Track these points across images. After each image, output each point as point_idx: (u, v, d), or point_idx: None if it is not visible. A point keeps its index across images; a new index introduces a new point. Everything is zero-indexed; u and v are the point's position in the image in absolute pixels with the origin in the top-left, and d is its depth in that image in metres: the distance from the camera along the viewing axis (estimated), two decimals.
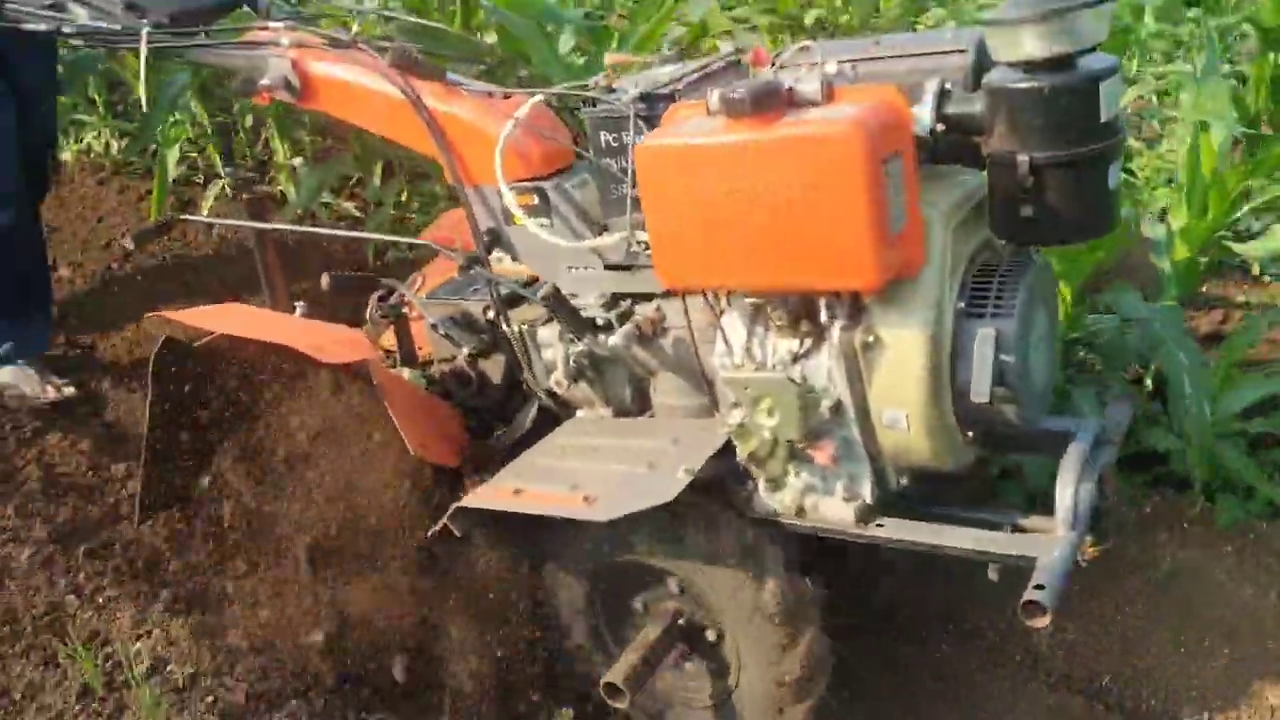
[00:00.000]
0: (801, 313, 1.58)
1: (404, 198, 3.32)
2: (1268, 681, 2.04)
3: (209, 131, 3.52)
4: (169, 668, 2.01)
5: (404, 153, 2.94)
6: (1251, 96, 3.40)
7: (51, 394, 2.83)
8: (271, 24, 2.07)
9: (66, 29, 2.03)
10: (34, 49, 2.69)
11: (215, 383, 2.09)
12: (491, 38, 3.11)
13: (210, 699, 1.95)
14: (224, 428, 2.08)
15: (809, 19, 3.53)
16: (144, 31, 1.98)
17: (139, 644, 2.06)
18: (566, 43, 3.38)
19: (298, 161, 3.34)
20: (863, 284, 1.46)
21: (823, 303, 1.55)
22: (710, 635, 1.87)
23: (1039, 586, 1.45)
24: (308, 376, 2.00)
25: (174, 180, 3.45)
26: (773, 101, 1.43)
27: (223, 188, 3.23)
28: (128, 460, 2.59)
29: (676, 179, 1.50)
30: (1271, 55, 3.29)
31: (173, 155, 3.32)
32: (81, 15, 2.04)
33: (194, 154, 3.82)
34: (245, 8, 2.21)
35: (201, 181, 3.65)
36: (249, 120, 3.60)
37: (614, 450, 1.82)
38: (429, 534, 1.83)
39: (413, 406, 1.93)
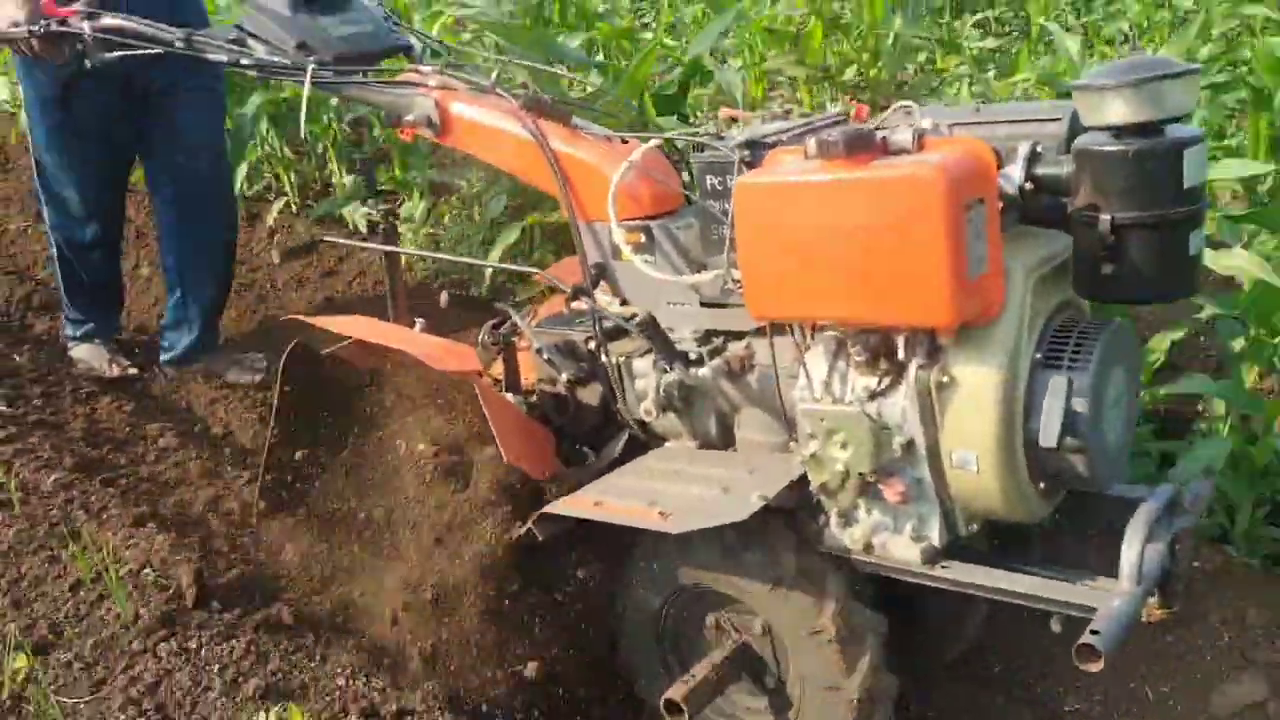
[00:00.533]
0: (881, 351, 1.65)
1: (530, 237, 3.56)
2: None
3: (279, 154, 4.12)
4: (144, 571, 2.31)
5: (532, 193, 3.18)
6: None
7: (115, 370, 3.37)
8: (421, 68, 2.29)
9: (244, 61, 2.28)
10: (199, 98, 3.07)
11: (337, 387, 2.27)
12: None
13: (169, 592, 2.25)
14: (340, 428, 2.25)
15: (848, 73, 3.63)
16: (310, 68, 2.22)
17: (127, 552, 2.37)
18: None
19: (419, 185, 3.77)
20: (938, 322, 1.54)
21: (901, 341, 1.63)
22: (771, 662, 1.92)
23: (1095, 631, 1.47)
24: (420, 385, 2.15)
25: (246, 196, 4.12)
26: (865, 146, 1.54)
27: (286, 203, 3.84)
28: (163, 424, 3.07)
29: (771, 214, 1.61)
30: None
31: (240, 172, 3.95)
32: (259, 50, 2.29)
33: (267, 173, 4.47)
34: (402, 55, 2.45)
35: (271, 198, 4.33)
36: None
37: (693, 475, 1.91)
38: (514, 537, 1.94)
39: (510, 420, 2.06)
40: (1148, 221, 1.52)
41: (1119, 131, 1.52)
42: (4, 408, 3.01)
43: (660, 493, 1.85)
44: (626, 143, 2.08)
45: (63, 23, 2.41)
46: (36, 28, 2.42)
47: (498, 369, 2.39)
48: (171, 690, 2.00)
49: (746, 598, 1.90)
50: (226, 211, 3.41)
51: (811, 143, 1.58)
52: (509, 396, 2.32)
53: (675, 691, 1.85)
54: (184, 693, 2.00)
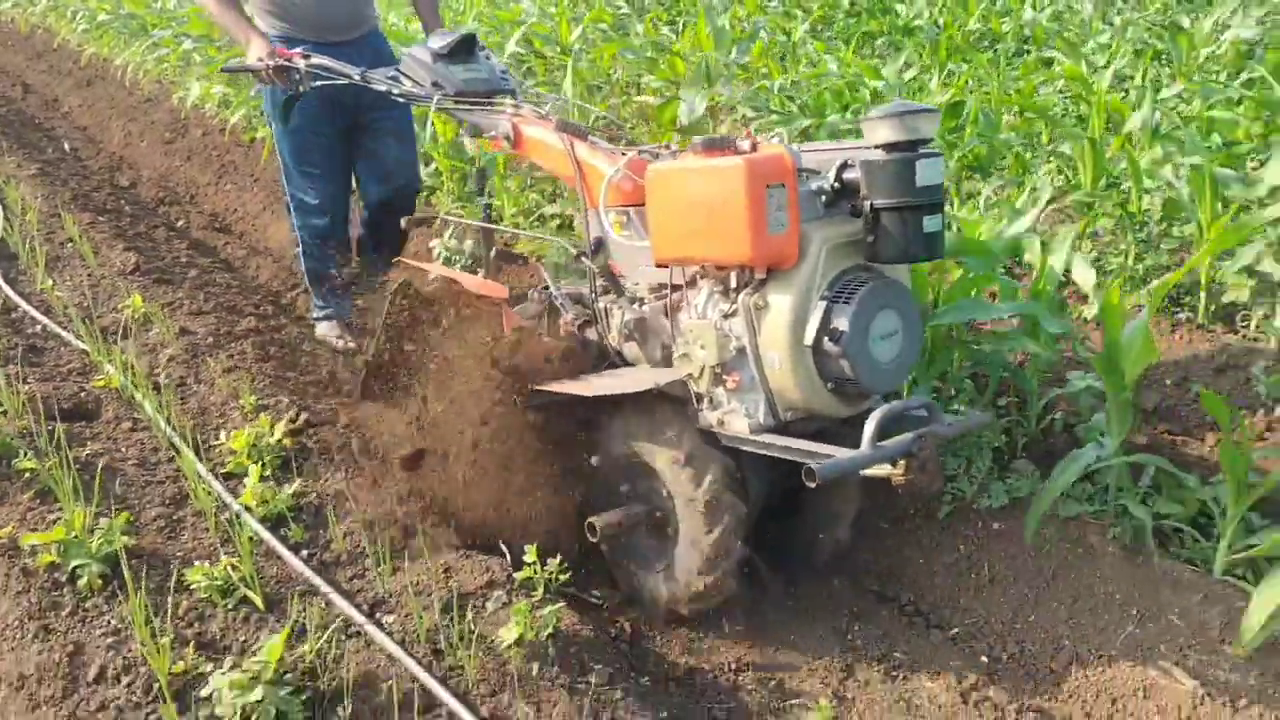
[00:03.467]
0: (728, 285, 2.50)
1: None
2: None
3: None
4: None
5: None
6: None
7: (342, 345, 4.37)
8: (509, 102, 3.33)
9: (395, 91, 3.40)
10: (393, 127, 4.24)
11: (428, 312, 3.30)
12: None
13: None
14: (425, 338, 3.27)
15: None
16: (436, 97, 3.31)
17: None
18: None
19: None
20: (749, 261, 2.38)
21: (734, 276, 2.47)
22: (669, 516, 2.73)
23: (819, 462, 2.24)
24: (474, 311, 3.15)
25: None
26: (719, 147, 2.41)
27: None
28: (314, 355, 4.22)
29: (663, 188, 2.51)
30: None
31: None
32: (407, 84, 3.40)
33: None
34: (506, 95, 3.50)
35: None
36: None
37: (625, 375, 2.79)
38: (519, 404, 2.85)
39: (518, 323, 2.99)
40: (894, 206, 2.31)
41: (883, 148, 2.33)
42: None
43: (598, 383, 2.74)
44: (625, 154, 3.02)
45: (288, 60, 3.64)
46: (272, 62, 3.65)
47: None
48: None
49: (660, 468, 2.73)
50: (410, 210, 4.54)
51: (693, 142, 2.48)
52: (545, 338, 3.27)
53: (596, 519, 2.71)
54: None
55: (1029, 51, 7.39)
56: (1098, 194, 4.45)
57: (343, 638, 2.34)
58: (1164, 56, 6.46)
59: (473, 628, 2.35)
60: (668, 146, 2.85)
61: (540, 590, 2.46)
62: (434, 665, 2.28)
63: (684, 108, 5.43)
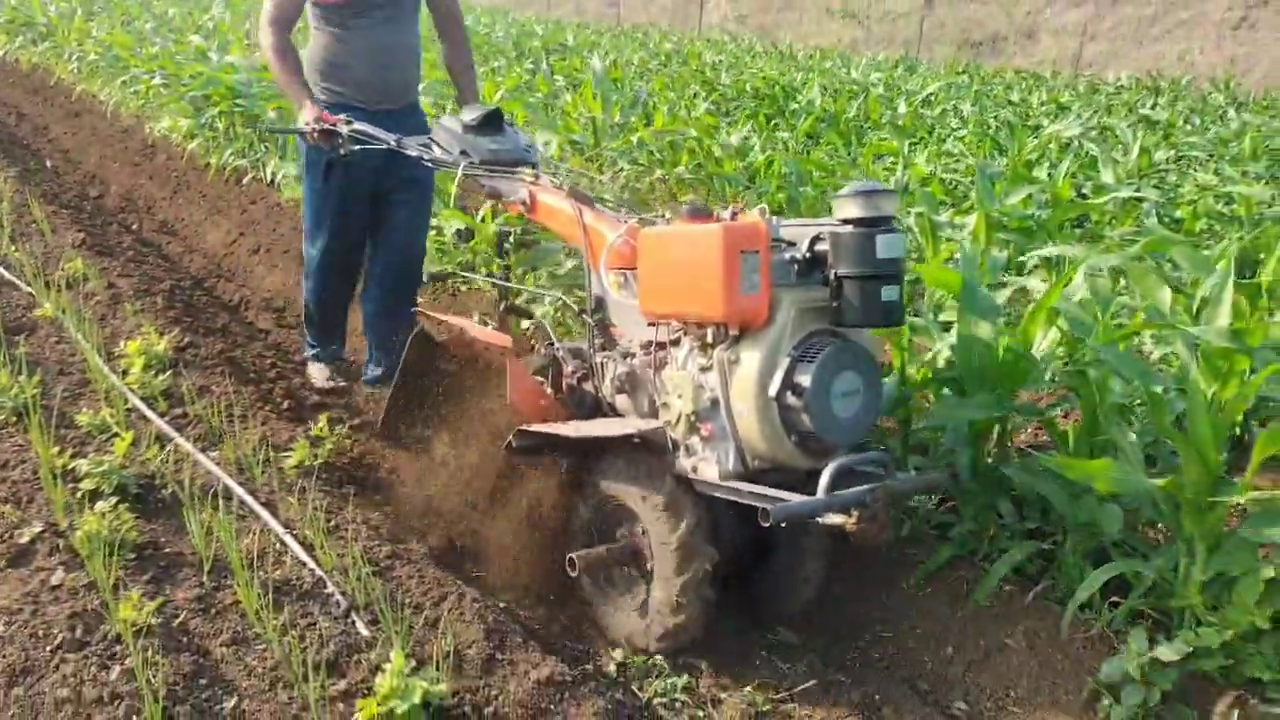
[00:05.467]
0: (705, 340, 2.73)
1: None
2: None
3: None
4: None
5: None
6: None
7: (329, 384, 4.64)
8: (529, 172, 3.63)
9: (426, 158, 3.72)
10: (415, 198, 4.55)
11: (444, 359, 3.56)
12: None
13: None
14: (438, 383, 3.53)
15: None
16: (463, 165, 3.62)
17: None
18: None
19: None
20: (722, 318, 2.61)
21: (710, 333, 2.70)
22: (646, 555, 2.92)
23: (772, 505, 2.44)
24: (483, 359, 3.41)
25: None
26: (702, 215, 2.67)
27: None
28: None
29: (652, 251, 2.77)
30: None
31: None
32: (438, 152, 3.72)
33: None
34: (529, 166, 3.80)
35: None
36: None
37: (611, 423, 3.02)
38: (504, 446, 3.09)
39: (522, 378, 3.24)
40: (856, 275, 2.55)
41: (848, 222, 2.57)
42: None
43: (584, 427, 2.97)
44: (626, 221, 3.29)
45: (333, 125, 3.98)
46: (318, 126, 4.00)
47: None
48: None
49: (640, 512, 2.93)
50: (415, 291, 4.71)
51: (682, 210, 2.74)
52: (548, 389, 3.51)
53: (577, 554, 2.91)
54: None
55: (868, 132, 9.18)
56: None
57: (174, 458, 3.31)
58: (1002, 149, 8.12)
59: (270, 456, 3.39)
60: (664, 216, 3.12)
61: (327, 448, 3.69)
62: (235, 475, 3.26)
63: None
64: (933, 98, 12.26)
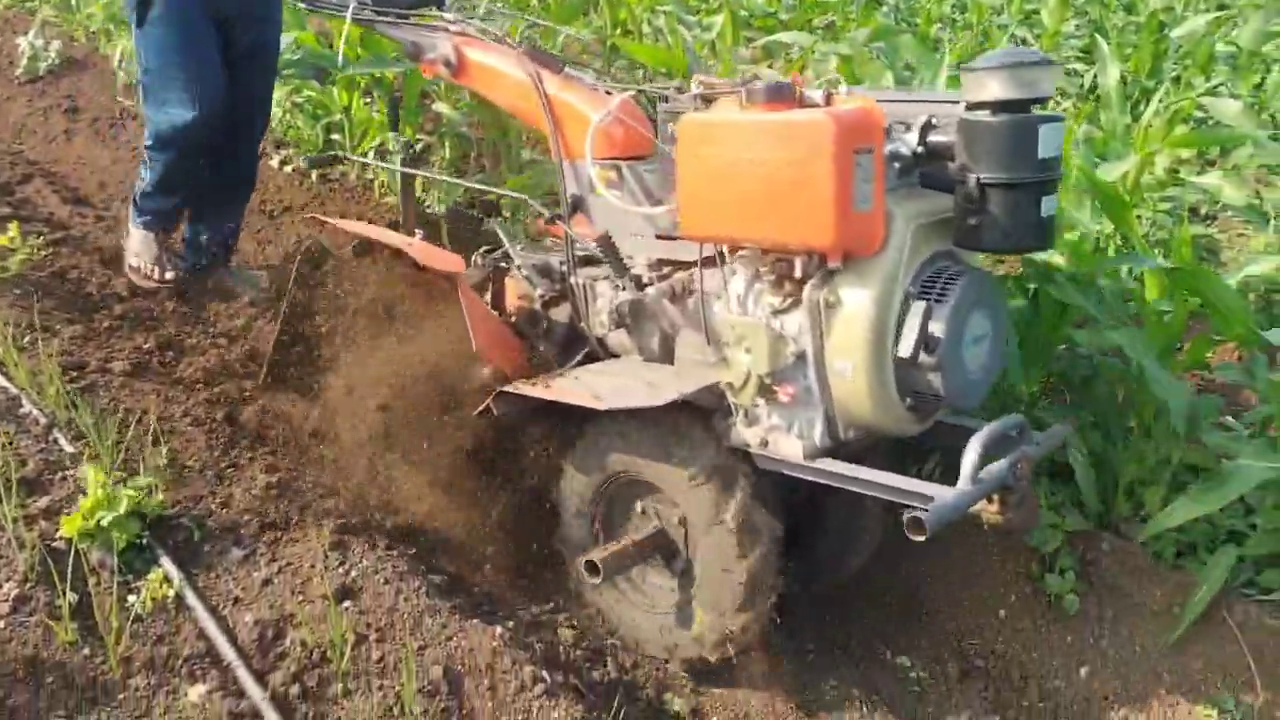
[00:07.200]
0: (784, 273, 1.98)
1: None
2: None
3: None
4: None
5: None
6: None
7: (155, 275, 3.36)
8: (446, 15, 2.65)
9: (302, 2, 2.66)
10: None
11: (342, 282, 2.62)
12: None
13: None
14: (341, 315, 2.60)
15: None
16: (351, 6, 2.59)
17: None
18: None
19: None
20: (826, 246, 1.86)
21: (799, 264, 1.95)
22: (682, 547, 2.23)
23: (925, 509, 1.79)
24: (411, 284, 2.50)
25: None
26: (784, 97, 1.87)
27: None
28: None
29: (703, 147, 1.95)
30: None
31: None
32: None
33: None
34: (433, 6, 2.80)
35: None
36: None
37: (630, 376, 2.24)
38: (475, 412, 2.27)
39: (483, 316, 2.40)
40: (1007, 182, 1.84)
41: (992, 107, 1.84)
42: None
43: (599, 385, 2.18)
44: (610, 93, 2.42)
45: None
46: None
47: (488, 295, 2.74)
48: None
49: (668, 487, 2.21)
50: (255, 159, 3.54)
51: (744, 91, 1.92)
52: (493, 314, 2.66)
53: (596, 554, 2.17)
54: None
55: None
56: None
57: None
58: None
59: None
60: (679, 88, 2.27)
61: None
62: None
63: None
64: None
